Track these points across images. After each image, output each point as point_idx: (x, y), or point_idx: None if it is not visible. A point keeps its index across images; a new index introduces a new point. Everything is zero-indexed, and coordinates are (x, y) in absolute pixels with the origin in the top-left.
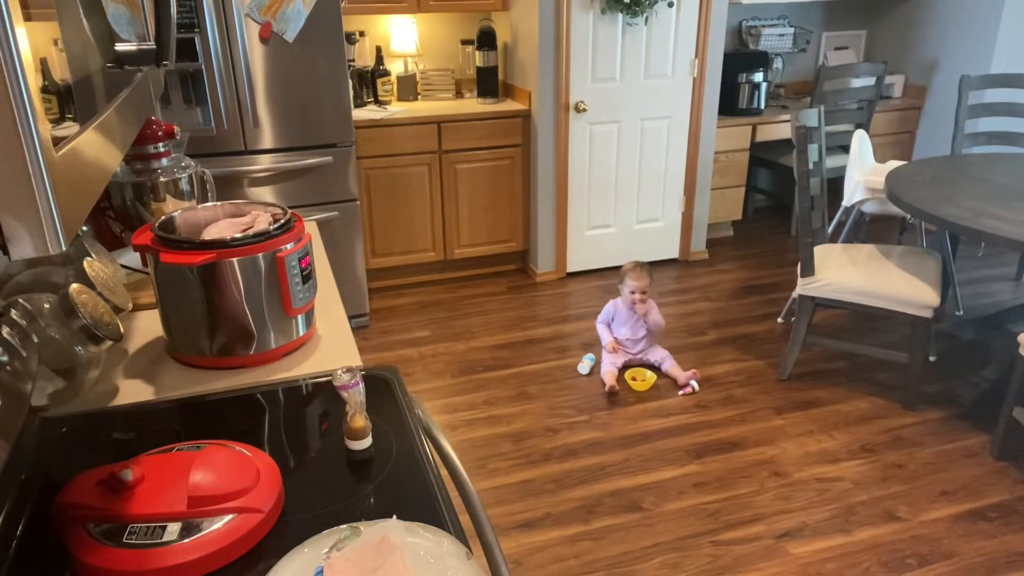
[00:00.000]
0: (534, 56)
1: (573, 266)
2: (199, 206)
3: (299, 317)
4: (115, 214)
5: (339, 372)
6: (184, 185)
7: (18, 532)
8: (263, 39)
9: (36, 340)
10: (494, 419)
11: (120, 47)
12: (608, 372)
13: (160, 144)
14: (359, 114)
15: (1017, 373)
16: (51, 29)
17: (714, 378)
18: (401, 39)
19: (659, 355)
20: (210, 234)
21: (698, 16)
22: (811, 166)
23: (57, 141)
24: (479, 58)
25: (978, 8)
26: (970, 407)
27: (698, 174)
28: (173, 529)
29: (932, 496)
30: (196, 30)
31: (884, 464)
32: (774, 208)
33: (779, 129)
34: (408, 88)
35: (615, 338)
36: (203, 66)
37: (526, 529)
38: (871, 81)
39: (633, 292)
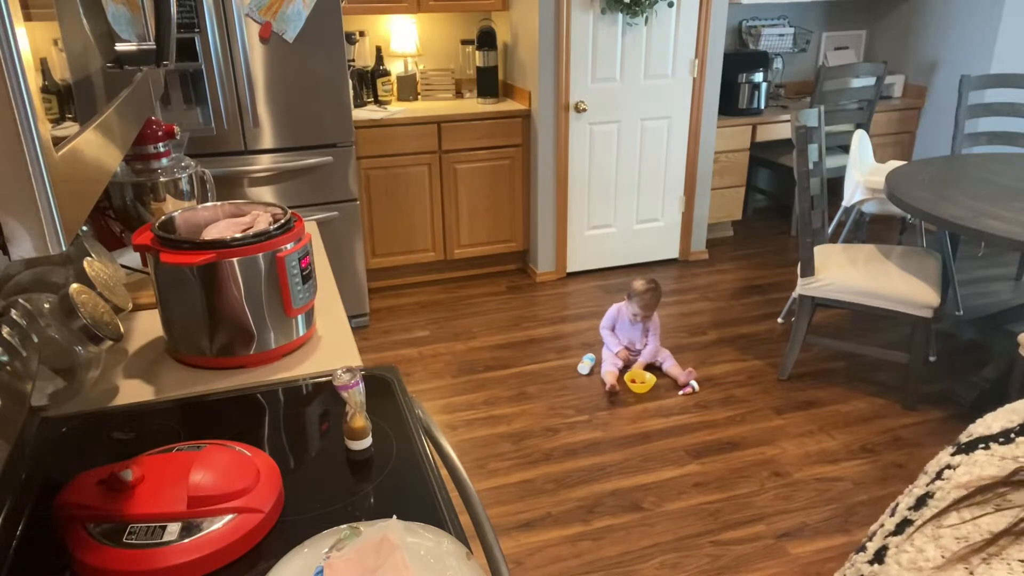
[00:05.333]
0: (534, 56)
1: (573, 266)
2: (199, 206)
3: (299, 317)
4: (115, 214)
5: (339, 372)
6: (184, 185)
7: (18, 532)
8: (263, 39)
9: (36, 340)
10: (494, 419)
11: (120, 47)
12: (608, 372)
13: (160, 144)
14: (359, 114)
15: (1017, 373)
16: (51, 29)
17: (714, 378)
18: (401, 39)
19: (660, 355)
20: (210, 234)
21: (698, 16)
22: (811, 166)
23: (57, 141)
24: (479, 58)
25: (978, 8)
26: (970, 407)
27: (698, 174)
28: (173, 529)
29: None
30: (196, 30)
31: (884, 464)
32: (774, 208)
33: (779, 129)
34: (408, 88)
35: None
36: (203, 66)
37: (526, 529)
38: (871, 81)
39: (635, 315)
